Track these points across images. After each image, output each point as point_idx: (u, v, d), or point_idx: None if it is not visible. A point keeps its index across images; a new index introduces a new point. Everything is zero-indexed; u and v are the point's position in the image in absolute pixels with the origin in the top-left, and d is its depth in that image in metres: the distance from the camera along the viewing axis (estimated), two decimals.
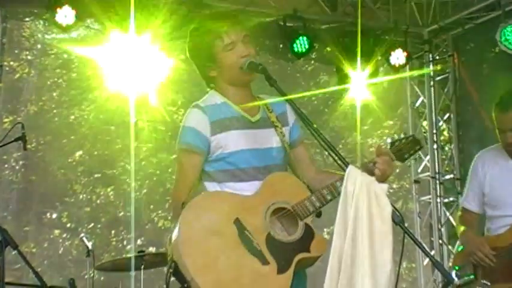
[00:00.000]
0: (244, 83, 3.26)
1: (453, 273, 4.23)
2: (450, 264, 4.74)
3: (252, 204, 3.07)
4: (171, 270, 2.99)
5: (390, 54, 7.17)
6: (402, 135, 3.27)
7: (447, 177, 7.80)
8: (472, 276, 4.14)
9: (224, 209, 3.05)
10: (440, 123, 7.89)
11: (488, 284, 4.03)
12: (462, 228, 4.23)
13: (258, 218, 3.04)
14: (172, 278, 3.03)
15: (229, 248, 2.97)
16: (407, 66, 7.55)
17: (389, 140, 3.26)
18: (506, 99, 4.23)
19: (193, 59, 3.35)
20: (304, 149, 3.39)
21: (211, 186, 3.22)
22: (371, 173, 3.02)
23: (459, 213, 4.44)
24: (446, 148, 7.97)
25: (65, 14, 5.89)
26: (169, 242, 3.04)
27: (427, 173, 7.81)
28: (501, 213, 4.12)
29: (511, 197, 4.11)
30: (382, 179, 3.01)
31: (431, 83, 7.70)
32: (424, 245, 3.38)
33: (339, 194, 3.03)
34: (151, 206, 14.00)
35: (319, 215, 3.18)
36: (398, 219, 2.74)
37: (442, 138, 8.16)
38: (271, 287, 2.97)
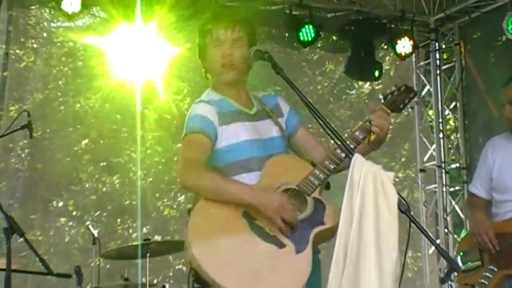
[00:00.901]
0: (224, 81, 3.29)
1: (458, 259, 4.23)
2: (455, 252, 4.73)
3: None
4: (192, 279, 2.97)
5: (396, 43, 7.15)
6: (394, 88, 3.27)
7: (453, 166, 7.79)
8: (478, 262, 4.14)
9: (230, 205, 3.02)
10: (447, 112, 7.88)
11: (496, 269, 4.03)
12: (471, 210, 4.24)
13: None
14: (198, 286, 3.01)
15: (243, 241, 2.96)
16: (414, 55, 7.53)
17: (381, 96, 3.27)
18: None
19: (199, 58, 3.40)
20: (307, 132, 3.40)
21: None
22: (368, 131, 3.06)
23: (467, 197, 4.46)
24: (452, 137, 7.95)
25: (71, 2, 5.90)
26: (186, 250, 3.01)
27: (433, 162, 7.80)
28: (509, 198, 4.13)
29: None
30: (382, 134, 3.05)
31: (438, 71, 7.67)
32: (429, 233, 3.37)
33: (341, 160, 3.07)
34: (157, 195, 14.01)
35: (327, 187, 3.18)
36: (404, 208, 2.74)
37: (448, 127, 8.15)
38: (292, 268, 2.94)
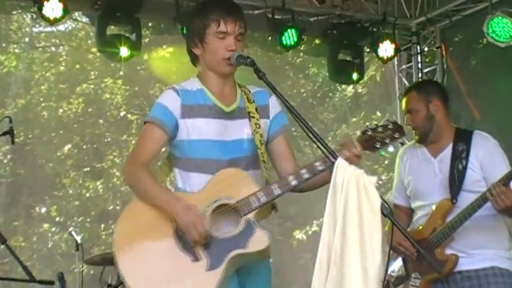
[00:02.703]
0: (222, 73, 3.24)
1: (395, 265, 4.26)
2: None
3: (195, 201, 3.04)
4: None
5: (378, 46, 7.18)
6: (384, 121, 3.13)
7: None
8: (403, 273, 4.21)
9: None
10: None
11: (419, 276, 4.10)
12: (388, 224, 4.29)
13: None
14: None
15: (162, 246, 3.00)
16: (396, 58, 7.56)
17: (363, 128, 3.11)
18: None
19: (187, 27, 3.39)
20: (285, 142, 3.32)
21: (179, 176, 3.23)
22: (329, 167, 2.97)
23: (392, 209, 4.46)
24: None
25: (52, 7, 5.85)
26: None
27: None
28: (420, 204, 4.19)
29: (426, 186, 4.16)
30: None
31: (420, 74, 7.71)
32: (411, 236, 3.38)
33: (290, 188, 3.07)
34: None
35: (275, 209, 3.17)
36: (387, 211, 2.76)
37: None
38: (198, 283, 2.96)
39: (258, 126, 3.23)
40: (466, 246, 3.98)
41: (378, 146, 3.09)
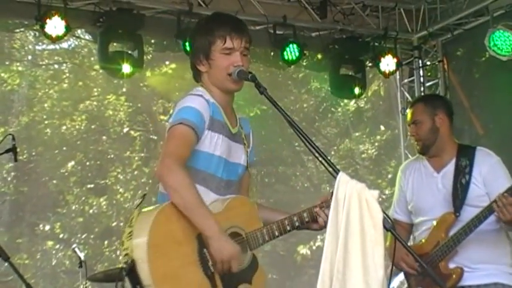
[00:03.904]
0: (228, 90, 3.23)
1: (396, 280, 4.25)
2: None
3: None
4: (125, 266, 2.93)
5: (380, 61, 7.19)
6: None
7: None
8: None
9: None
10: None
11: None
12: (389, 240, 4.28)
13: None
14: None
15: (188, 263, 2.94)
16: (398, 73, 7.57)
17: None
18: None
19: (192, 43, 3.35)
20: (248, 176, 3.39)
21: None
22: (312, 218, 3.21)
23: None
24: None
25: (55, 25, 5.88)
26: (129, 236, 2.92)
27: None
28: (422, 219, 4.19)
29: (429, 201, 4.16)
30: (321, 229, 3.15)
31: (422, 88, 7.72)
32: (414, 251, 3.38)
33: (286, 232, 3.18)
34: None
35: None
36: (389, 226, 2.75)
37: None
38: None
39: (247, 153, 3.30)
40: (469, 260, 3.98)
41: None
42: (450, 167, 4.14)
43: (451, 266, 3.99)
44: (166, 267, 2.90)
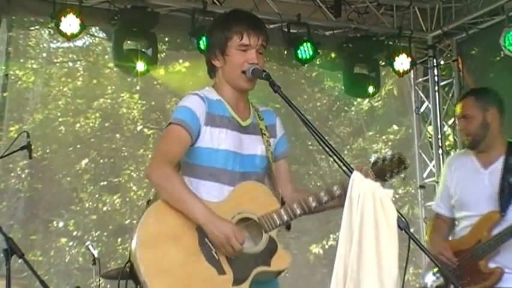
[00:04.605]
0: (240, 88, 3.24)
1: (430, 276, 4.22)
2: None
3: (218, 211, 3.01)
4: (127, 269, 2.99)
5: (394, 60, 7.17)
6: (389, 154, 3.24)
7: None
8: (442, 282, 4.16)
9: None
10: (445, 128, 7.89)
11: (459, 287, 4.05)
12: (429, 233, 4.22)
13: None
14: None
15: (187, 254, 2.95)
16: (412, 72, 7.55)
17: (373, 158, 3.23)
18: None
19: (209, 38, 3.34)
20: (286, 164, 3.38)
21: (188, 183, 3.15)
22: (333, 197, 3.14)
23: (433, 218, 4.43)
24: (452, 153, 7.96)
25: (70, 23, 5.91)
26: (131, 240, 3.00)
27: (433, 178, 7.80)
28: (465, 214, 4.15)
29: (474, 197, 4.12)
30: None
31: (436, 88, 7.69)
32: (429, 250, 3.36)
33: (310, 209, 3.13)
34: None
35: (288, 227, 3.17)
36: (403, 225, 2.74)
37: (447, 143, 8.15)
38: None
39: (269, 143, 3.27)
40: (510, 262, 3.93)
41: (387, 176, 3.21)
42: (498, 165, 4.09)
43: (492, 265, 3.95)
44: (162, 262, 2.91)
